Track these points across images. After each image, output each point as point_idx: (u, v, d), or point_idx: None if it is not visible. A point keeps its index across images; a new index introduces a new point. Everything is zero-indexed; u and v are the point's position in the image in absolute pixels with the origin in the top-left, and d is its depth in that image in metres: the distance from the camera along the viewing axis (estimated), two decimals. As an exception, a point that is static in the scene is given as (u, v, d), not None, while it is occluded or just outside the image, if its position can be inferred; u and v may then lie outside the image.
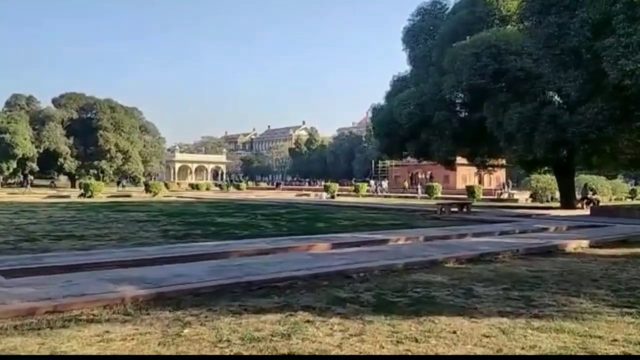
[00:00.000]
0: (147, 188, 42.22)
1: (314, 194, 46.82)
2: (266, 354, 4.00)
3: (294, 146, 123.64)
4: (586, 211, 23.49)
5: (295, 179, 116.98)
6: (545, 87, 19.26)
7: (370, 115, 26.26)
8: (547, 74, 18.40)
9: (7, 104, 78.18)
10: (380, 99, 27.20)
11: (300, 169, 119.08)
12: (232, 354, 4.01)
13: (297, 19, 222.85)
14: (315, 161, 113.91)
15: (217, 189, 64.56)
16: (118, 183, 62.28)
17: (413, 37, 25.63)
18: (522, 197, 40.14)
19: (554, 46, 16.91)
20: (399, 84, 26.13)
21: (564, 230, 13.89)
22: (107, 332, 4.53)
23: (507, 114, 20.00)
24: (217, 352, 4.05)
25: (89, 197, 37.66)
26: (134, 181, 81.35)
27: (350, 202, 31.41)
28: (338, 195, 47.27)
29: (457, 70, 20.74)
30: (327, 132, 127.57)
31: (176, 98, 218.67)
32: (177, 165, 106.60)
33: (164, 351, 4.05)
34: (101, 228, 14.12)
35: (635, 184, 50.85)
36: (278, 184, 73.39)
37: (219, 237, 11.72)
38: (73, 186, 67.00)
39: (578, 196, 27.29)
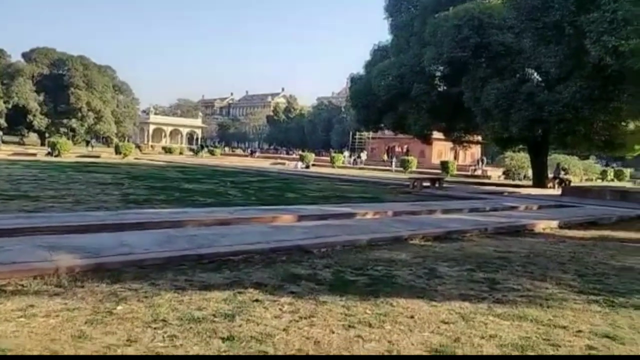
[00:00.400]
0: (118, 150, 41.10)
1: (290, 163, 46.31)
2: (204, 337, 3.62)
3: (272, 114, 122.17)
4: (557, 191, 23.59)
5: (272, 147, 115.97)
6: (525, 64, 18.99)
7: (348, 85, 25.62)
8: (528, 49, 18.11)
9: (-26, 56, 75.01)
10: (360, 69, 26.61)
11: (278, 137, 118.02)
12: (166, 335, 3.62)
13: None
14: (293, 130, 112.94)
15: (191, 153, 63.43)
16: (87, 143, 60.54)
17: (395, 5, 24.93)
18: (495, 174, 40.39)
19: (537, 19, 16.56)
20: (379, 54, 25.55)
21: (534, 210, 13.79)
22: (32, 306, 4.09)
23: (486, 90, 19.72)
24: (149, 334, 3.65)
25: (57, 156, 36.49)
26: (106, 142, 79.54)
27: (325, 173, 31.06)
28: (314, 165, 46.83)
29: (438, 41, 20.28)
30: (306, 101, 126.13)
31: (152, 57, 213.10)
32: (152, 128, 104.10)
33: (90, 330, 3.63)
34: (60, 189, 13.47)
35: (606, 165, 51.62)
36: (253, 152, 72.48)
37: (181, 204, 11.24)
38: (43, 144, 64.95)
39: (550, 175, 27.46)
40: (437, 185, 20.55)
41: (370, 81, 23.91)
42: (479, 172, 41.81)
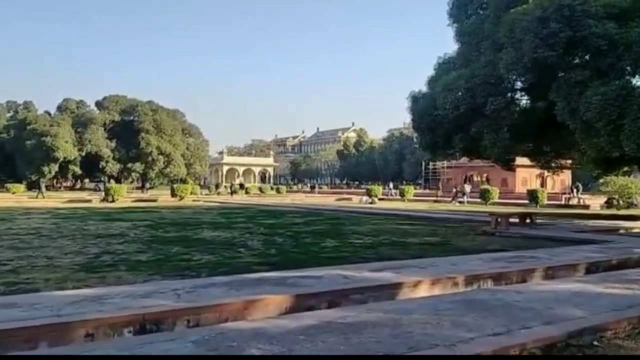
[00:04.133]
0: (173, 192, 39.37)
1: (358, 198, 42.62)
2: None
3: (342, 148, 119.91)
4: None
5: (344, 181, 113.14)
6: (639, 59, 14.27)
7: (409, 104, 21.77)
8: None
9: (59, 108, 78.86)
10: (423, 87, 22.68)
11: (349, 172, 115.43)
12: None
13: (342, 17, 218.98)
14: (364, 163, 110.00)
15: (258, 192, 61.41)
16: (142, 187, 60.10)
17: (461, 8, 20.96)
18: (595, 202, 34.45)
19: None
20: (445, 67, 21.49)
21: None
22: None
23: (585, 97, 15.16)
24: None
25: (111, 201, 35.20)
26: (183, 183, 79.67)
27: (390, 209, 27.08)
28: (382, 199, 42.89)
29: (517, 42, 16.07)
30: (378, 134, 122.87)
31: (226, 102, 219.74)
32: (225, 168, 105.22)
33: None
34: (36, 248, 10.61)
35: None
36: (313, 187, 69.16)
37: (159, 269, 7.92)
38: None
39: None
40: (528, 221, 16.03)
41: (434, 98, 19.90)
42: (574, 201, 35.94)
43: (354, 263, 8.35)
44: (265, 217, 21.19)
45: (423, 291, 6.36)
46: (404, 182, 73.44)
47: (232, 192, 49.20)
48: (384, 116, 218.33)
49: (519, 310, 4.89)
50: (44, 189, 43.10)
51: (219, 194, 49.72)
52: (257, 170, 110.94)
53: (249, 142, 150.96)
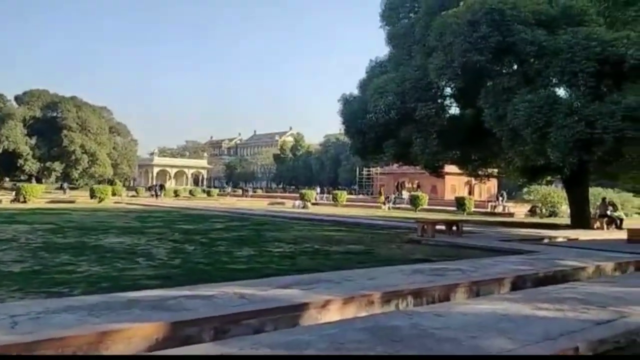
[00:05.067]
0: (93, 193, 36.79)
1: (292, 203, 41.62)
2: None
3: (279, 152, 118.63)
4: (609, 233, 18.56)
5: (281, 185, 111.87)
6: (567, 67, 14.25)
7: (340, 107, 21.11)
8: (568, 47, 13.50)
9: (-25, 102, 72.71)
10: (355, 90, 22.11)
11: (286, 176, 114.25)
12: None
13: (284, 21, 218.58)
14: (301, 168, 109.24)
15: (188, 195, 59.05)
16: (61, 187, 56.32)
17: (393, 10, 20.60)
18: (519, 210, 35.25)
19: None
20: (378, 70, 21.08)
21: (617, 275, 8.91)
22: None
23: (513, 104, 15.06)
24: None
25: (23, 202, 32.33)
26: (111, 184, 75.45)
27: (321, 214, 26.29)
28: (315, 204, 42.16)
29: (447, 45, 15.79)
30: (315, 140, 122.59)
31: (160, 101, 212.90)
32: (156, 170, 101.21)
33: None
34: None
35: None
36: (245, 191, 67.55)
37: (15, 285, 6.58)
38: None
39: (593, 211, 22.45)
40: (454, 229, 15.66)
41: (365, 102, 19.40)
42: (500, 209, 36.68)
43: (265, 277, 7.38)
44: (186, 221, 19.79)
45: (333, 312, 5.48)
46: (339, 188, 73.18)
47: (155, 195, 46.74)
48: (322, 121, 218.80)
49: (436, 342, 4.08)
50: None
51: (155, 196, 47.11)
52: (190, 172, 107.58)
53: (182, 144, 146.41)
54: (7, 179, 73.75)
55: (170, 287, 6.10)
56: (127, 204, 36.67)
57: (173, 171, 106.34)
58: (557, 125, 14.11)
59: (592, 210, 22.43)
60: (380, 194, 47.61)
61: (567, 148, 14.01)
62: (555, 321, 4.84)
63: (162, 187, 51.54)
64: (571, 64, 14.00)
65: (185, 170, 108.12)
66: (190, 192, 60.70)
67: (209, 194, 58.50)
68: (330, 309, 5.47)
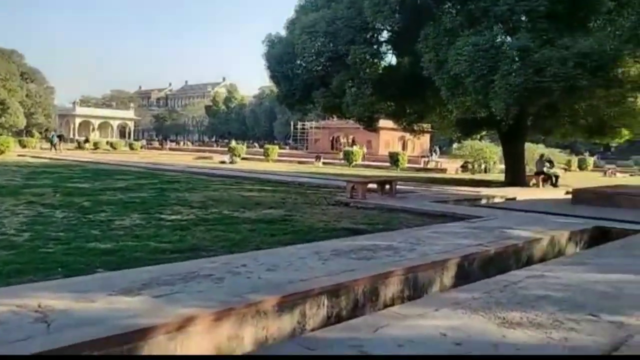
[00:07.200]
0: (-10, 145, 32.56)
1: (220, 157, 38.94)
2: None
3: (211, 104, 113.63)
4: (546, 190, 17.70)
5: (213, 139, 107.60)
6: (515, 5, 12.55)
7: (265, 50, 18.67)
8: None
9: None
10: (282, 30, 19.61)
11: (219, 129, 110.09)
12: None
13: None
14: (234, 121, 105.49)
15: (109, 148, 54.66)
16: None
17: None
18: (451, 166, 34.52)
19: None
20: (309, 7, 18.65)
21: (580, 253, 7.52)
22: None
23: (454, 48, 13.32)
24: None
25: None
26: (27, 135, 69.01)
27: (247, 170, 24.11)
28: (245, 159, 39.70)
29: (384, -22, 13.68)
30: (250, 91, 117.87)
31: (83, 47, 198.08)
32: (78, 121, 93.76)
33: None
34: None
35: (571, 153, 47.00)
36: (163, 143, 63.38)
37: None
38: None
39: (528, 168, 21.70)
40: (387, 188, 14.04)
41: (293, 44, 17.10)
42: (432, 165, 35.87)
43: (126, 264, 5.31)
44: (85, 179, 17.08)
45: (197, 337, 3.50)
46: (274, 142, 70.71)
47: (52, 146, 42.24)
48: (257, 72, 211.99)
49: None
50: None
51: (52, 148, 42.56)
52: (115, 124, 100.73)
53: (108, 93, 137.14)
54: None
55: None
56: (33, 157, 32.74)
57: (97, 122, 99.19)
58: (502, 72, 12.55)
59: (526, 167, 21.66)
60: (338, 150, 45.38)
61: (512, 98, 12.52)
62: (536, 349, 3.11)
63: (60, 137, 46.72)
64: (521, 2, 12.34)
65: (111, 121, 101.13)
66: (112, 145, 56.32)
67: (131, 147, 54.49)
68: (192, 332, 3.48)
